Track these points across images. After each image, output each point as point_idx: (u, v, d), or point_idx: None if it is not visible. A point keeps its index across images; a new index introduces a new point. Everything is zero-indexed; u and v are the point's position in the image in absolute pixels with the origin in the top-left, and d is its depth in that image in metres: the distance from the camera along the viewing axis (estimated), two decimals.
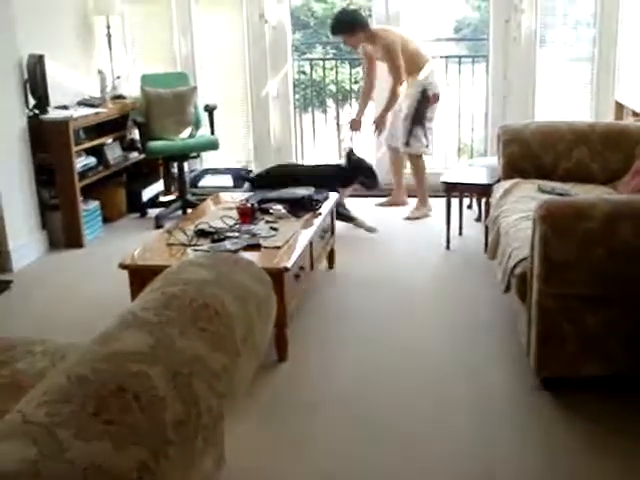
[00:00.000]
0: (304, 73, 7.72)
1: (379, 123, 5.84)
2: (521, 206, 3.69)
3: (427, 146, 5.80)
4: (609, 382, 3.02)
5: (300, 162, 6.77)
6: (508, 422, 2.87)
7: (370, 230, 5.36)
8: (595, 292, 2.82)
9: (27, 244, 4.97)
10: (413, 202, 5.96)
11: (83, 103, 5.73)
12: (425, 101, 5.70)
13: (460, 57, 6.80)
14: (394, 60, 5.60)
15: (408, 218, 5.78)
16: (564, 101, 6.31)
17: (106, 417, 1.30)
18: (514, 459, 2.63)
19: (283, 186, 4.42)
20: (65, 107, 5.44)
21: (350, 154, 5.42)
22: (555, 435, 2.76)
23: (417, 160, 5.87)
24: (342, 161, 5.53)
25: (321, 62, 7.75)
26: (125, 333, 1.57)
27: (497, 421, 2.88)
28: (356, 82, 7.77)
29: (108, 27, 6.10)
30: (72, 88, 5.80)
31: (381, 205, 6.10)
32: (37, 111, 5.14)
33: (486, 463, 2.61)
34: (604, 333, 2.87)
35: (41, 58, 5.09)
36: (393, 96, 5.67)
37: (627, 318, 2.86)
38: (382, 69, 5.85)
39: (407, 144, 5.77)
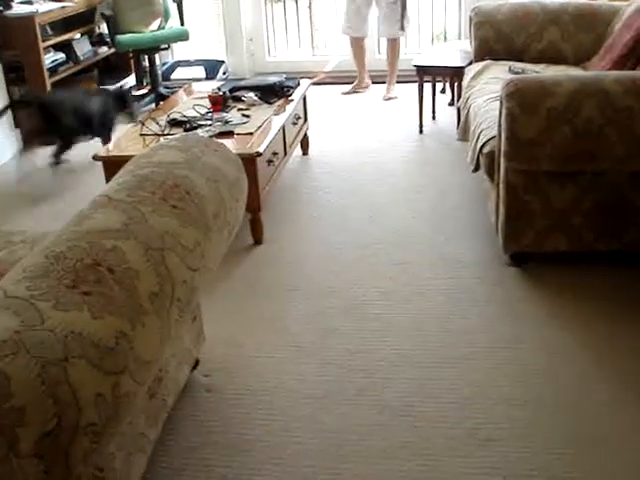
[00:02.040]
0: None
1: None
2: (491, 87, 3.71)
3: None
4: (574, 256, 3.11)
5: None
6: (476, 296, 2.97)
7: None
8: (560, 168, 2.88)
9: (1, 143, 4.95)
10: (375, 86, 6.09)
11: None
12: None
13: None
14: None
15: (390, 99, 5.89)
16: None
17: (83, 289, 1.36)
18: (482, 330, 2.73)
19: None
20: (29, 2, 5.32)
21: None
22: (521, 307, 2.86)
23: (398, 42, 5.93)
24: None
25: None
26: (99, 213, 1.62)
27: (465, 296, 2.98)
28: None
29: None
30: None
31: (347, 93, 6.11)
32: (0, 7, 5.03)
33: (452, 338, 2.71)
34: (569, 209, 2.95)
35: None
36: None
37: (591, 194, 2.92)
38: None
39: (402, 28, 5.81)
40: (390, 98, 5.90)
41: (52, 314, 1.29)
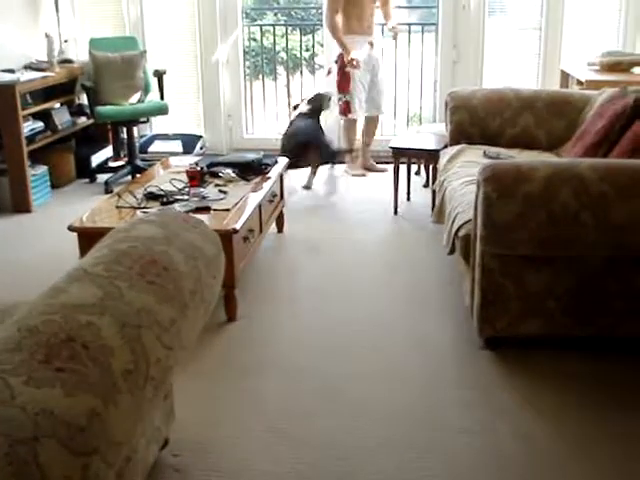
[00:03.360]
0: (255, 40, 7.68)
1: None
2: (467, 171, 3.76)
3: None
4: (550, 341, 3.12)
5: None
6: (450, 380, 2.94)
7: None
8: (536, 253, 2.89)
9: None
10: None
11: (30, 67, 5.67)
12: None
13: (410, 25, 6.82)
14: None
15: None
16: (512, 69, 6.39)
17: (56, 365, 1.33)
18: (456, 415, 2.70)
19: None
20: (11, 71, 5.36)
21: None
22: (496, 393, 2.83)
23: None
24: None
25: (272, 29, 7.72)
26: (74, 286, 1.59)
27: (439, 379, 2.95)
28: (307, 50, 7.76)
29: None
30: (18, 52, 5.72)
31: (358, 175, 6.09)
32: None
33: (427, 422, 2.67)
34: (545, 293, 2.96)
35: None
36: None
37: (566, 278, 2.94)
38: None
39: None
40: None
41: (23, 390, 1.25)
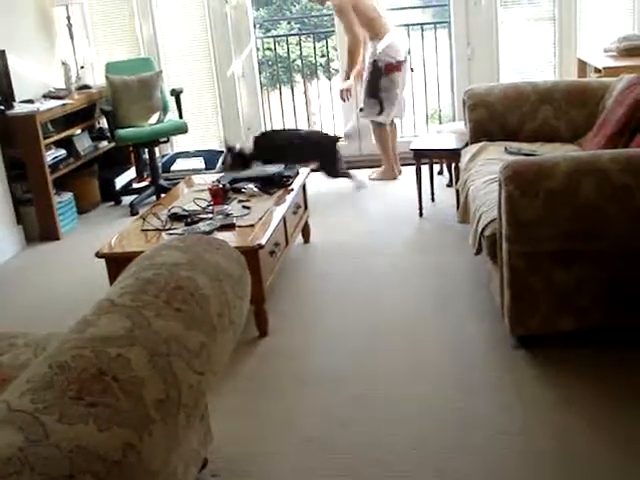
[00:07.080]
0: (270, 50, 7.72)
1: (343, 89, 5.92)
2: (489, 168, 3.74)
3: (386, 115, 5.86)
4: (582, 337, 3.08)
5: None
6: (485, 381, 2.92)
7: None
8: (563, 248, 2.87)
9: (3, 240, 4.98)
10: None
11: (49, 96, 5.72)
12: (377, 72, 5.72)
13: (422, 24, 6.80)
14: (346, 20, 5.66)
15: (373, 179, 6.04)
16: (528, 61, 6.35)
17: (88, 400, 1.34)
18: (491, 417, 2.68)
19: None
20: (31, 101, 5.42)
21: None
22: (531, 392, 2.82)
23: (378, 128, 5.96)
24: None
25: (285, 38, 7.75)
26: (102, 319, 1.60)
27: (474, 381, 2.93)
28: (322, 56, 7.78)
29: (68, 17, 6.07)
30: (36, 81, 5.78)
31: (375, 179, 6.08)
32: (2, 107, 5.12)
33: (463, 421, 2.67)
34: (574, 288, 2.93)
35: (2, 53, 5.09)
36: (350, 58, 5.79)
37: (595, 273, 2.91)
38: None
39: (361, 110, 5.93)
40: (374, 179, 6.03)
41: (57, 428, 1.27)
